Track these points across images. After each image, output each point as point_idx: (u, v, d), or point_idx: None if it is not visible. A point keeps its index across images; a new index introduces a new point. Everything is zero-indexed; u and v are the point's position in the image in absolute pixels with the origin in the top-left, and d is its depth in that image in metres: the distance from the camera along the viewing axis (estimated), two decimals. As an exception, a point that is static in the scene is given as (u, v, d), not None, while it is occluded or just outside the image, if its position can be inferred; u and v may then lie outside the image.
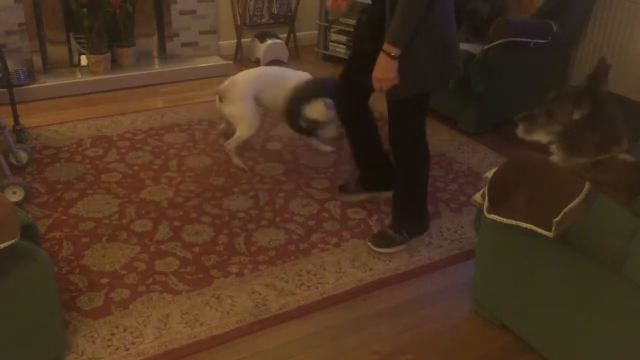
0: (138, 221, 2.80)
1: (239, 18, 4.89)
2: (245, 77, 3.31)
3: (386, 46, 2.24)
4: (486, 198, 2.02)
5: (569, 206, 1.76)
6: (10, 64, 3.40)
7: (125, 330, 2.18)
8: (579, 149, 1.97)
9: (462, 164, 3.45)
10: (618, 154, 1.91)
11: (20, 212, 1.80)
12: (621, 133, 1.93)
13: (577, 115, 1.96)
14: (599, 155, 1.93)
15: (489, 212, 2.00)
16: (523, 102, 3.84)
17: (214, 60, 4.74)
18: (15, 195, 2.84)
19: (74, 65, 4.37)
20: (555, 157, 2.05)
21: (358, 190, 3.02)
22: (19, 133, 3.33)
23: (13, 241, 1.69)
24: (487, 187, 2.04)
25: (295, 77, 3.33)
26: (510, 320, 2.22)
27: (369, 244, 2.67)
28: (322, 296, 2.39)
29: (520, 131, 2.12)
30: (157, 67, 4.54)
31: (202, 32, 4.76)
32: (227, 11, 4.96)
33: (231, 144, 3.29)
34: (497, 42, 3.55)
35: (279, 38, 4.99)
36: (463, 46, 3.73)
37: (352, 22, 4.89)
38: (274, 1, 4.98)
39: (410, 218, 2.70)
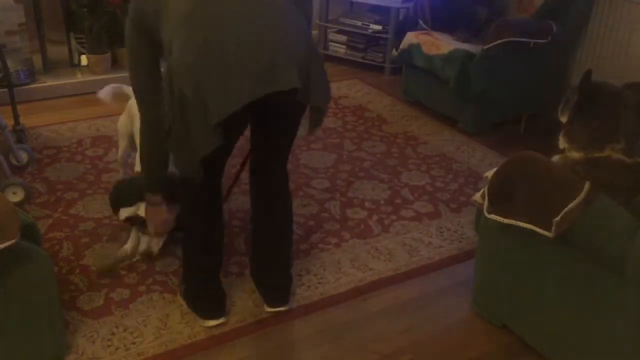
0: (138, 221, 2.80)
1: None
2: None
3: None
4: (486, 198, 2.02)
5: (568, 206, 1.76)
6: (10, 64, 3.40)
7: (125, 330, 2.18)
8: (575, 139, 1.98)
9: (462, 164, 3.46)
10: (614, 154, 1.91)
11: (20, 212, 1.80)
12: (618, 132, 1.92)
13: (573, 101, 2.00)
14: (594, 152, 1.93)
15: (489, 212, 2.00)
16: (523, 102, 3.88)
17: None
18: (15, 195, 2.84)
19: (74, 65, 4.36)
20: (555, 157, 2.05)
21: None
22: (19, 133, 3.33)
23: (13, 241, 1.69)
24: (487, 187, 2.04)
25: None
26: (510, 321, 2.21)
27: None
28: (322, 296, 2.39)
29: (559, 110, 2.13)
30: (157, 67, 4.54)
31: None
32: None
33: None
34: (497, 42, 3.55)
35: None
36: (463, 46, 3.74)
37: (353, 22, 4.90)
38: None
39: (185, 280, 2.28)
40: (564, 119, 2.07)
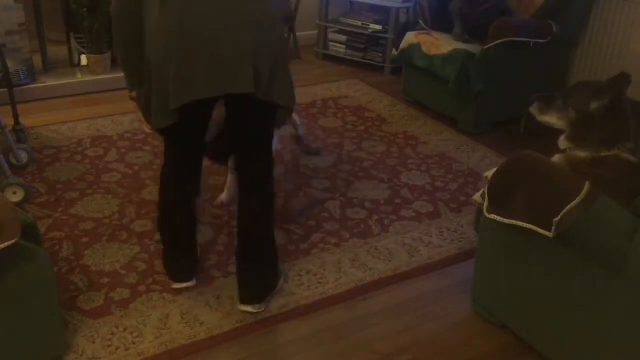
0: (138, 221, 2.80)
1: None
2: None
3: None
4: (486, 198, 2.02)
5: (569, 206, 1.77)
6: (10, 64, 3.39)
7: (125, 330, 2.18)
8: (586, 140, 1.98)
9: (462, 164, 3.46)
10: (621, 153, 1.92)
11: (20, 212, 1.81)
12: (630, 132, 1.94)
13: (594, 106, 1.99)
14: (602, 152, 1.94)
15: (489, 212, 2.00)
16: (522, 102, 3.86)
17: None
18: (15, 195, 2.84)
19: (74, 65, 4.36)
20: (557, 157, 2.06)
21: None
22: (19, 133, 3.33)
23: (13, 241, 1.69)
24: (487, 187, 2.04)
25: None
26: (510, 320, 2.22)
27: None
28: (322, 296, 2.39)
29: (534, 109, 2.12)
30: (157, 67, 4.53)
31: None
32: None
33: None
34: (497, 42, 3.55)
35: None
36: (463, 46, 3.74)
37: (353, 21, 4.90)
38: (274, 1, 4.97)
39: (161, 241, 2.42)
40: (546, 119, 2.06)
